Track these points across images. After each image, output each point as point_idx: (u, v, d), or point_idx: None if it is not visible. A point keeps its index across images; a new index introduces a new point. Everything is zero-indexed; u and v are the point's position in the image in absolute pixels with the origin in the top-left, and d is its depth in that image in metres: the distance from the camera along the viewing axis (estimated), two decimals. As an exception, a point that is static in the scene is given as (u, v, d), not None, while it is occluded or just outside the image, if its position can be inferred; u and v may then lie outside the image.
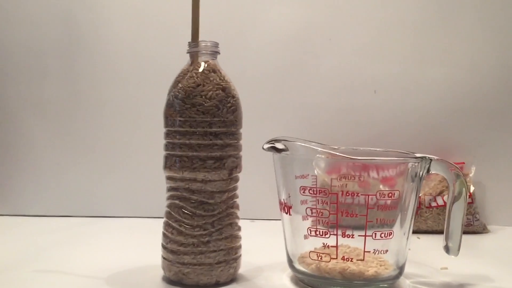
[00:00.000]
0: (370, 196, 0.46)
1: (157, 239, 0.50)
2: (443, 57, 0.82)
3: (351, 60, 0.83)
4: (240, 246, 0.51)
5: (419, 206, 0.75)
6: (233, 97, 0.48)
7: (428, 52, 0.82)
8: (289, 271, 0.53)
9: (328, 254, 0.48)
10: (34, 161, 0.85)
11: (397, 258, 0.49)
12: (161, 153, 0.49)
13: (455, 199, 0.48)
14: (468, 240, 0.62)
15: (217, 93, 0.47)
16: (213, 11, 0.78)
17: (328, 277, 0.47)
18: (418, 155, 0.49)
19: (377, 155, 0.54)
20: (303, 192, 0.48)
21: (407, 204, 0.48)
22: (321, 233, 0.48)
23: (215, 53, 0.49)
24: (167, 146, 0.48)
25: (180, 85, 0.47)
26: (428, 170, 0.49)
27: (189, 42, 0.49)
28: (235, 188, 0.50)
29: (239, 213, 0.51)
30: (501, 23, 0.81)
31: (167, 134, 0.48)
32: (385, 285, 0.48)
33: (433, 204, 0.75)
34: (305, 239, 0.49)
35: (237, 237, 0.50)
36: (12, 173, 0.85)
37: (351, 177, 0.47)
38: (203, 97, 0.46)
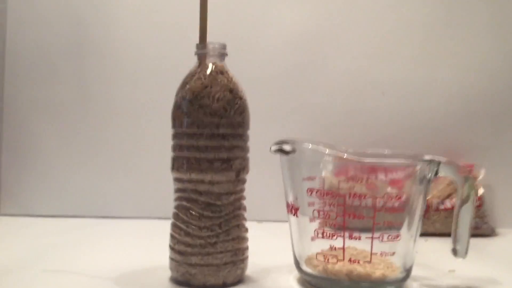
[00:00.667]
0: (377, 199, 0.46)
1: (165, 240, 0.51)
2: (452, 59, 0.82)
3: (359, 62, 0.83)
4: (247, 248, 0.51)
5: (427, 209, 0.75)
6: (241, 98, 0.48)
7: (437, 54, 0.82)
8: (296, 273, 0.53)
9: (335, 256, 0.47)
10: (43, 162, 0.86)
11: (404, 260, 0.49)
12: (169, 154, 0.49)
13: (463, 202, 0.48)
14: (476, 243, 0.61)
15: (225, 95, 0.47)
16: (221, 13, 0.78)
17: (335, 279, 0.47)
18: (426, 157, 0.49)
19: (385, 157, 0.54)
20: (311, 194, 0.48)
21: (414, 206, 0.48)
22: (328, 235, 0.48)
23: (222, 55, 0.49)
24: (175, 148, 0.49)
25: (187, 86, 0.47)
26: (437, 173, 0.48)
27: (197, 44, 0.49)
28: (242, 190, 0.50)
29: (246, 214, 0.51)
30: (511, 25, 0.81)
31: (175, 136, 0.49)
32: (392, 287, 0.48)
33: (441, 207, 0.75)
34: (312, 241, 0.49)
35: (244, 239, 0.50)
36: (21, 173, 0.86)
37: (358, 179, 0.47)
38: (211, 98, 0.46)
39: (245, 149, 0.49)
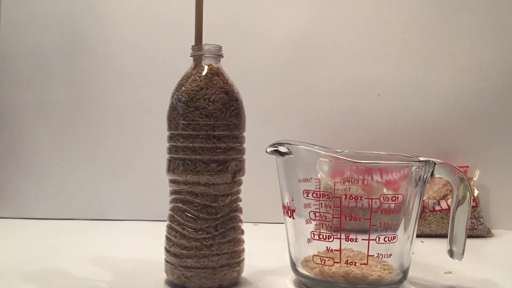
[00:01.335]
0: (373, 200, 0.46)
1: (161, 242, 0.50)
2: (447, 61, 0.82)
3: (354, 64, 0.83)
4: (243, 250, 0.51)
5: (423, 210, 0.75)
6: (237, 100, 0.48)
7: (432, 55, 0.82)
8: (292, 275, 0.52)
9: (332, 258, 0.47)
10: (38, 164, 0.85)
11: (401, 262, 0.49)
12: (165, 156, 0.49)
13: (459, 203, 0.48)
14: (472, 244, 0.61)
15: (221, 97, 0.47)
16: (217, 14, 0.78)
17: (331, 281, 0.47)
18: (422, 158, 0.49)
19: (380, 159, 0.54)
20: (307, 196, 0.48)
21: (411, 208, 0.48)
22: (324, 237, 0.47)
23: (218, 57, 0.49)
24: (171, 150, 0.48)
25: (183, 88, 0.47)
26: (432, 174, 0.48)
27: (192, 46, 0.49)
28: (238, 192, 0.50)
29: (242, 216, 0.51)
30: (507, 27, 0.81)
31: (171, 138, 0.48)
32: (389, 289, 0.48)
33: (437, 208, 0.75)
34: (308, 242, 0.49)
35: (240, 241, 0.50)
36: (16, 176, 0.85)
37: (354, 181, 0.47)
38: (206, 100, 0.46)
39: (241, 151, 0.49)
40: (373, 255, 0.47)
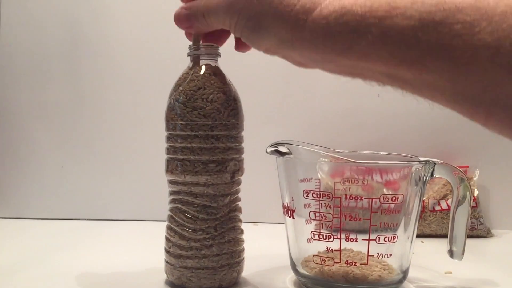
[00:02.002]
0: (373, 200, 0.46)
1: (161, 243, 0.50)
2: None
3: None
4: (243, 250, 0.51)
5: (423, 210, 0.75)
6: (235, 100, 0.48)
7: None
8: (292, 275, 0.52)
9: (332, 258, 0.47)
10: (37, 164, 0.85)
11: (401, 262, 0.49)
12: (163, 156, 0.49)
13: (459, 203, 0.48)
14: (472, 244, 0.61)
15: (219, 96, 0.47)
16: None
17: (331, 281, 0.47)
18: (422, 158, 0.49)
19: (380, 159, 0.54)
20: (307, 196, 0.48)
21: (411, 208, 0.48)
22: (324, 237, 0.47)
23: (216, 56, 0.49)
24: (169, 150, 0.48)
25: (181, 88, 0.47)
26: (432, 174, 0.48)
27: (190, 45, 0.48)
28: (237, 191, 0.50)
29: (242, 216, 0.51)
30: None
31: (169, 138, 0.48)
32: (389, 290, 0.48)
33: (437, 208, 0.75)
34: (308, 243, 0.49)
35: (240, 241, 0.50)
36: (16, 176, 0.85)
37: (354, 181, 0.47)
38: (204, 100, 0.46)
39: (239, 151, 0.49)
40: (373, 255, 0.47)
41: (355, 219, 0.47)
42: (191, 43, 0.48)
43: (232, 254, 0.49)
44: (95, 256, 0.62)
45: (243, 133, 0.50)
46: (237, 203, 0.50)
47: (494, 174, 0.81)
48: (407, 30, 0.30)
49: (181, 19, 0.45)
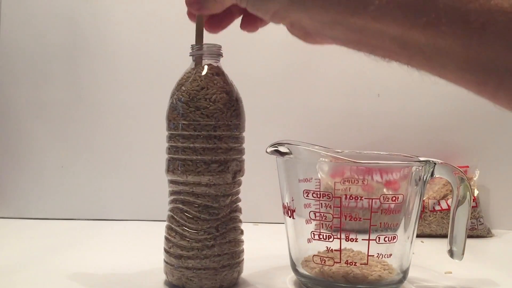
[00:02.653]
0: (373, 200, 0.46)
1: (161, 243, 0.50)
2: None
3: (354, 64, 0.83)
4: (243, 250, 0.51)
5: (423, 210, 0.75)
6: (237, 100, 0.48)
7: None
8: (292, 275, 0.52)
9: (332, 258, 0.47)
10: (37, 164, 0.85)
11: (401, 262, 0.49)
12: (164, 156, 0.49)
13: (459, 203, 0.48)
14: (473, 244, 0.61)
15: (221, 96, 0.47)
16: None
17: (331, 281, 0.47)
18: (422, 158, 0.49)
19: (380, 159, 0.54)
20: (307, 196, 0.48)
21: (411, 208, 0.48)
22: (324, 237, 0.47)
23: (218, 56, 0.49)
24: (170, 150, 0.48)
25: (183, 88, 0.47)
26: (432, 174, 0.48)
27: (192, 45, 0.49)
28: (238, 192, 0.50)
29: (242, 216, 0.51)
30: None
31: (170, 138, 0.48)
32: (389, 289, 0.48)
33: (437, 208, 0.75)
34: (308, 243, 0.49)
35: (240, 241, 0.50)
36: (15, 175, 0.85)
37: (354, 181, 0.47)
38: (207, 100, 0.46)
39: (241, 151, 0.49)
40: (373, 255, 0.47)
41: (355, 219, 0.47)
42: (193, 43, 0.48)
43: (233, 255, 0.49)
44: (94, 256, 0.62)
45: (244, 134, 0.50)
46: (238, 203, 0.50)
47: (494, 174, 0.81)
48: None
49: (191, 1, 0.44)
